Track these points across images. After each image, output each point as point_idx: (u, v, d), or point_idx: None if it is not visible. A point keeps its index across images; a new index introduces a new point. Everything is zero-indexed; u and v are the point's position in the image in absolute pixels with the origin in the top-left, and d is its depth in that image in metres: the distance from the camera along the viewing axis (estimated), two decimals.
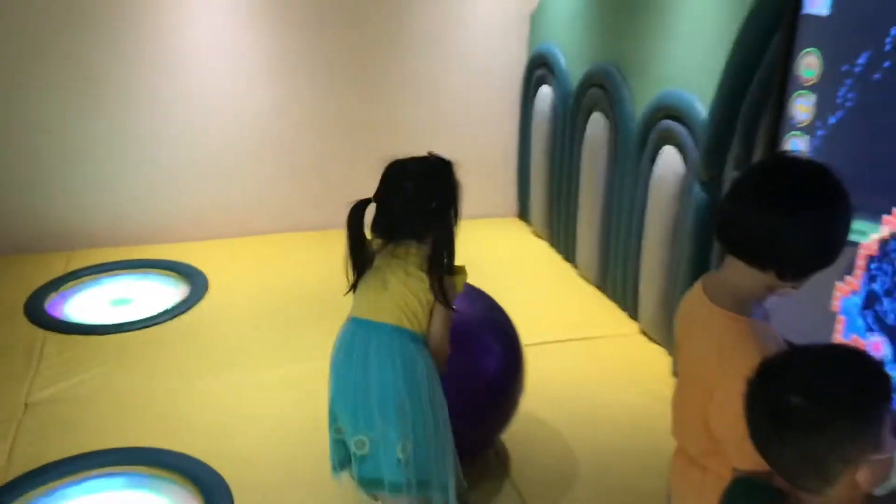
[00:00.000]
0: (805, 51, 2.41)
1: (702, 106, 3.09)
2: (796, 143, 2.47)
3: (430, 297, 2.07)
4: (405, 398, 2.06)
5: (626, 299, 3.78)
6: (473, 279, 2.35)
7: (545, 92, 4.45)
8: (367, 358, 2.08)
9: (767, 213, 1.49)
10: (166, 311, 3.77)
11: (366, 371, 2.08)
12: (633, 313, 3.74)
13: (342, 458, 2.23)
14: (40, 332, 3.57)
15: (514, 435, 2.87)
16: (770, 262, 1.51)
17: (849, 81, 2.27)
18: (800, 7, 2.40)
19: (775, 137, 2.55)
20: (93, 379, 3.25)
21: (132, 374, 3.30)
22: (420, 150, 2.16)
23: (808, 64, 2.40)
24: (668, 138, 3.32)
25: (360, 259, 2.12)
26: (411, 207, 2.06)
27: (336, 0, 4.34)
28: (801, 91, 2.44)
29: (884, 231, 2.14)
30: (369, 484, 2.16)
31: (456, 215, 2.12)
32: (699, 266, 3.09)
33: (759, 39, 2.69)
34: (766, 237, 1.49)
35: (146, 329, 3.63)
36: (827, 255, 1.52)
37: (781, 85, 2.51)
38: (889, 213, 2.12)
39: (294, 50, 4.36)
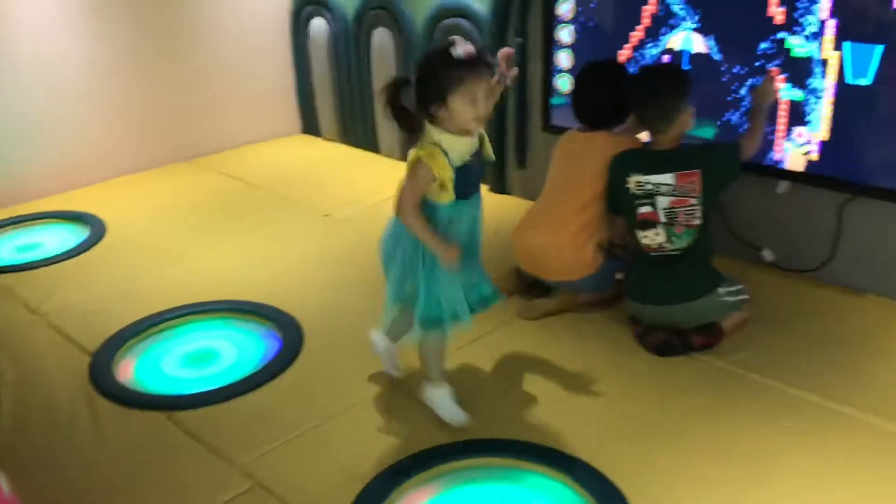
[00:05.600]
0: None
1: (479, 5, 4.55)
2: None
3: None
4: None
5: None
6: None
7: (318, 23, 5.60)
8: None
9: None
10: (83, 242, 4.32)
11: None
12: None
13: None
14: None
15: None
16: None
17: None
18: None
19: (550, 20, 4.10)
20: (73, 292, 3.79)
21: (112, 277, 3.95)
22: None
23: None
24: (454, 31, 4.73)
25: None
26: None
27: None
28: None
29: None
30: None
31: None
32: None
33: None
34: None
35: (83, 254, 4.19)
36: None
37: None
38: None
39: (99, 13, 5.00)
